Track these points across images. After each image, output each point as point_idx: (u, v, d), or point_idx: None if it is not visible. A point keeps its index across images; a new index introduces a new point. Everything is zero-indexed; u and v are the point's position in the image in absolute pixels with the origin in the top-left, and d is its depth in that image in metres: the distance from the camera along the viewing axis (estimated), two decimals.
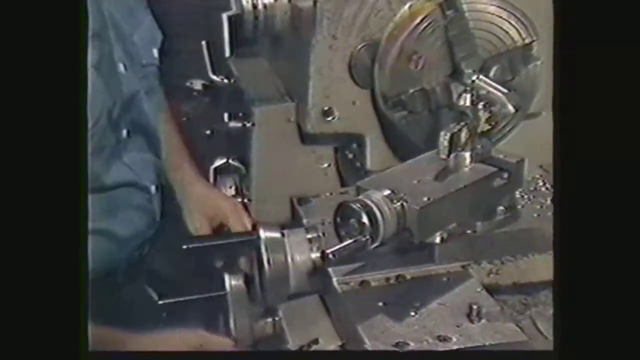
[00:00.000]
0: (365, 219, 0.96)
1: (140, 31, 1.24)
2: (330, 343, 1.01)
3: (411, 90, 1.18)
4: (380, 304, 0.97)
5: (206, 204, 1.22)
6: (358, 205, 0.98)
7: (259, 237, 1.06)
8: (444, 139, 1.04)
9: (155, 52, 1.28)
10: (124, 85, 1.17)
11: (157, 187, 1.23)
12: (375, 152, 1.28)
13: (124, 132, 1.18)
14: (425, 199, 0.99)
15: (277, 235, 1.07)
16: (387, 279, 1.02)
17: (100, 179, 1.12)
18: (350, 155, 1.33)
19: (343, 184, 1.35)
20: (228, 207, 1.20)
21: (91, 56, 1.06)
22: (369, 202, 0.98)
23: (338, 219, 1.01)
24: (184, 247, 1.05)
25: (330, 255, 0.95)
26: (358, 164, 1.31)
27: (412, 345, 0.89)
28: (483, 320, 0.92)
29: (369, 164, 1.28)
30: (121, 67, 1.17)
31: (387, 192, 1.00)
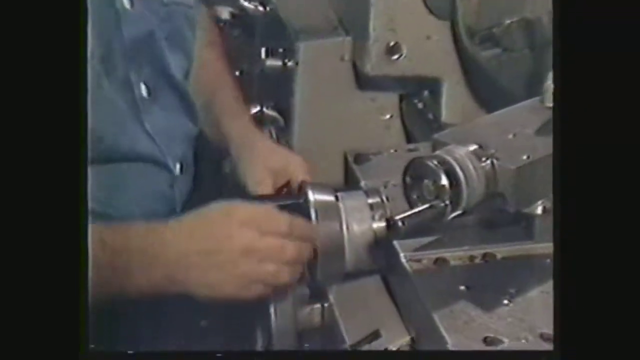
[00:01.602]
0: (444, 180, 0.95)
1: None
2: (395, 336, 0.98)
3: (507, 22, 1.16)
4: (462, 287, 0.94)
5: (273, 158, 1.19)
6: (435, 162, 0.96)
7: (307, 201, 1.04)
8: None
9: None
10: (125, 27, 1.11)
11: (182, 167, 1.19)
12: (453, 100, 1.27)
13: (143, 89, 1.13)
14: (523, 157, 0.96)
15: (330, 198, 1.04)
16: (471, 258, 1.00)
17: (101, 143, 1.07)
18: (420, 105, 1.32)
19: (409, 141, 1.34)
20: (298, 164, 1.17)
21: None
22: (449, 159, 0.96)
23: (408, 179, 1.00)
24: None
25: (399, 223, 0.93)
26: (430, 116, 1.30)
27: (506, 342, 0.86)
28: None
29: (444, 116, 1.27)
30: (125, 2, 1.11)
31: (473, 147, 0.97)
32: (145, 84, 1.13)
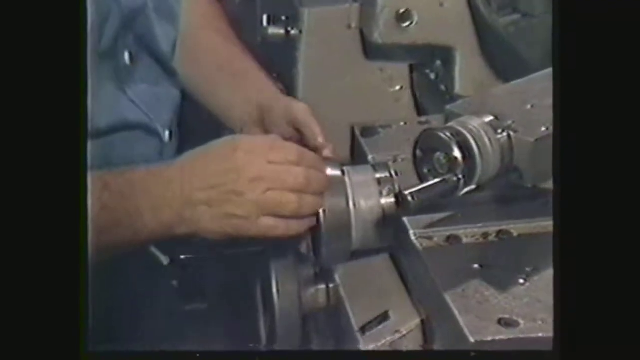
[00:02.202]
0: (456, 152, 0.96)
1: None
2: (405, 318, 0.98)
3: None
4: (476, 266, 0.94)
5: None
6: (448, 133, 0.97)
7: None
8: None
9: None
10: None
11: (171, 133, 1.23)
12: (467, 71, 1.27)
13: (126, 56, 1.16)
14: (542, 129, 0.97)
15: (336, 173, 1.05)
16: (485, 235, 1.00)
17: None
18: (432, 76, 1.33)
19: (420, 114, 1.35)
20: (301, 110, 1.18)
21: None
22: (463, 131, 0.97)
23: (419, 152, 1.01)
24: None
25: (409, 198, 0.95)
26: (442, 87, 1.31)
27: (522, 324, 0.86)
28: None
29: (458, 87, 1.27)
30: None
31: (488, 118, 0.99)
32: (129, 51, 1.16)
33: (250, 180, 0.99)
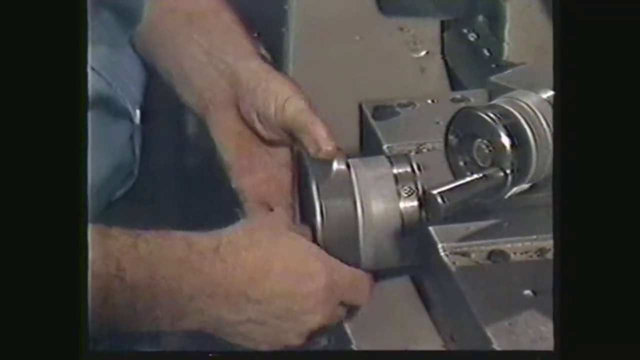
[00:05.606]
0: (504, 139, 0.97)
1: None
2: None
3: None
4: (528, 292, 0.96)
5: None
6: (492, 114, 0.99)
7: (305, 170, 1.07)
8: None
9: None
10: None
11: (142, 115, 1.26)
12: (521, 29, 1.28)
13: None
14: None
15: (340, 167, 1.06)
16: (541, 251, 1.02)
17: None
18: (472, 37, 1.34)
19: (454, 88, 1.36)
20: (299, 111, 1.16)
21: None
22: (513, 110, 0.99)
23: (452, 139, 1.02)
24: None
25: (438, 199, 0.96)
26: (486, 52, 1.32)
27: None
28: None
29: (507, 52, 1.29)
30: None
31: (547, 93, 1.00)
32: None
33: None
